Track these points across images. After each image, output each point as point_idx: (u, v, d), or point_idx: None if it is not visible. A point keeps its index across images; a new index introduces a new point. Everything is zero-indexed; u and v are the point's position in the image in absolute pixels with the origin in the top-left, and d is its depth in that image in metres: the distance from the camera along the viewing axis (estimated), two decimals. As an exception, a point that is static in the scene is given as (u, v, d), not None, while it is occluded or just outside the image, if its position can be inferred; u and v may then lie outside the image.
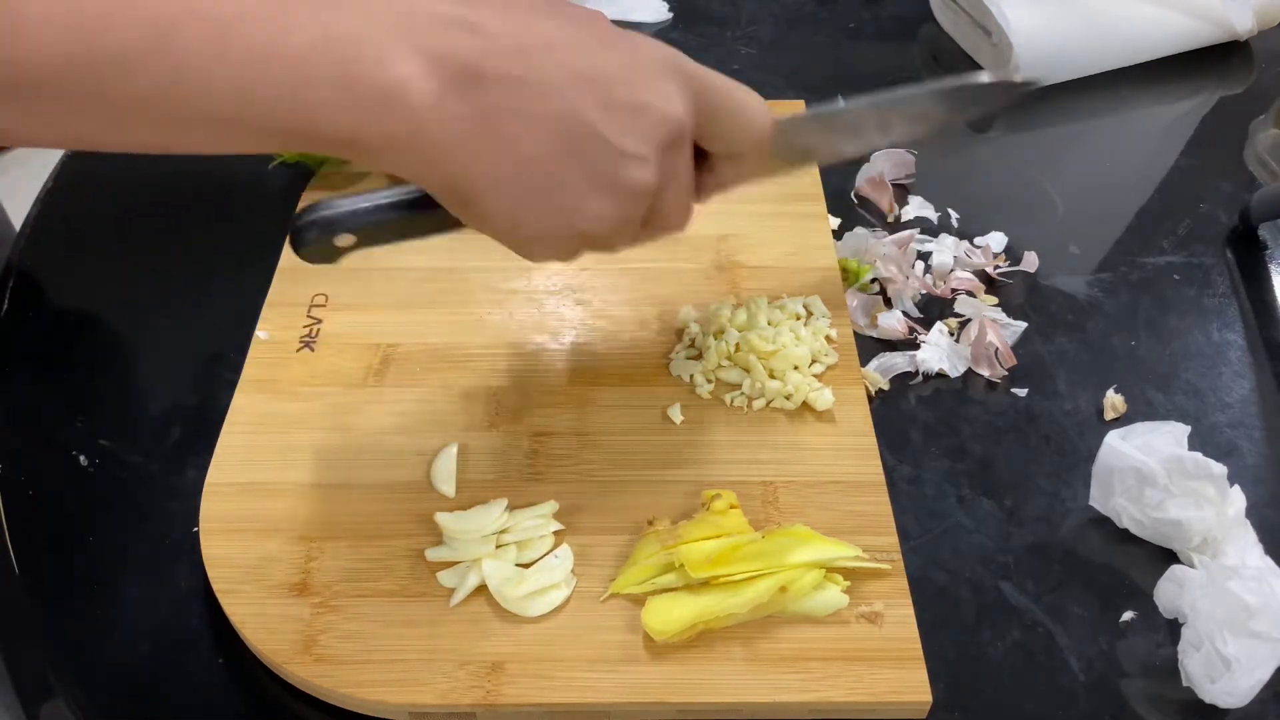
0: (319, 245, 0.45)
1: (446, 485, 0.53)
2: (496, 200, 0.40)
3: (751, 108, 0.45)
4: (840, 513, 0.52)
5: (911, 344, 0.63)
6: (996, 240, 0.69)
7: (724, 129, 0.45)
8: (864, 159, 0.73)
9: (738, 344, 0.58)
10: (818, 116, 0.52)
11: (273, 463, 0.54)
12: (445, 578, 0.50)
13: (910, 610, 0.49)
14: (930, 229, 0.70)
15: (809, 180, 0.70)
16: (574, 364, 0.60)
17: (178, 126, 0.36)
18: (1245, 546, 0.51)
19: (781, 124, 0.48)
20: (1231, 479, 0.51)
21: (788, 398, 0.57)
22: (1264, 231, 0.70)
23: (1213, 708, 0.47)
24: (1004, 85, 0.59)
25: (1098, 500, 0.54)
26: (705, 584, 0.48)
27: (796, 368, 0.58)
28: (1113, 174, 0.76)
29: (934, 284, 0.66)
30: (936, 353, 0.62)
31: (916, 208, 0.72)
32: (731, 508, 0.51)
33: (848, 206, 0.72)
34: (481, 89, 0.38)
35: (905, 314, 0.64)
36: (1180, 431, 0.53)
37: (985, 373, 0.61)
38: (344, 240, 0.46)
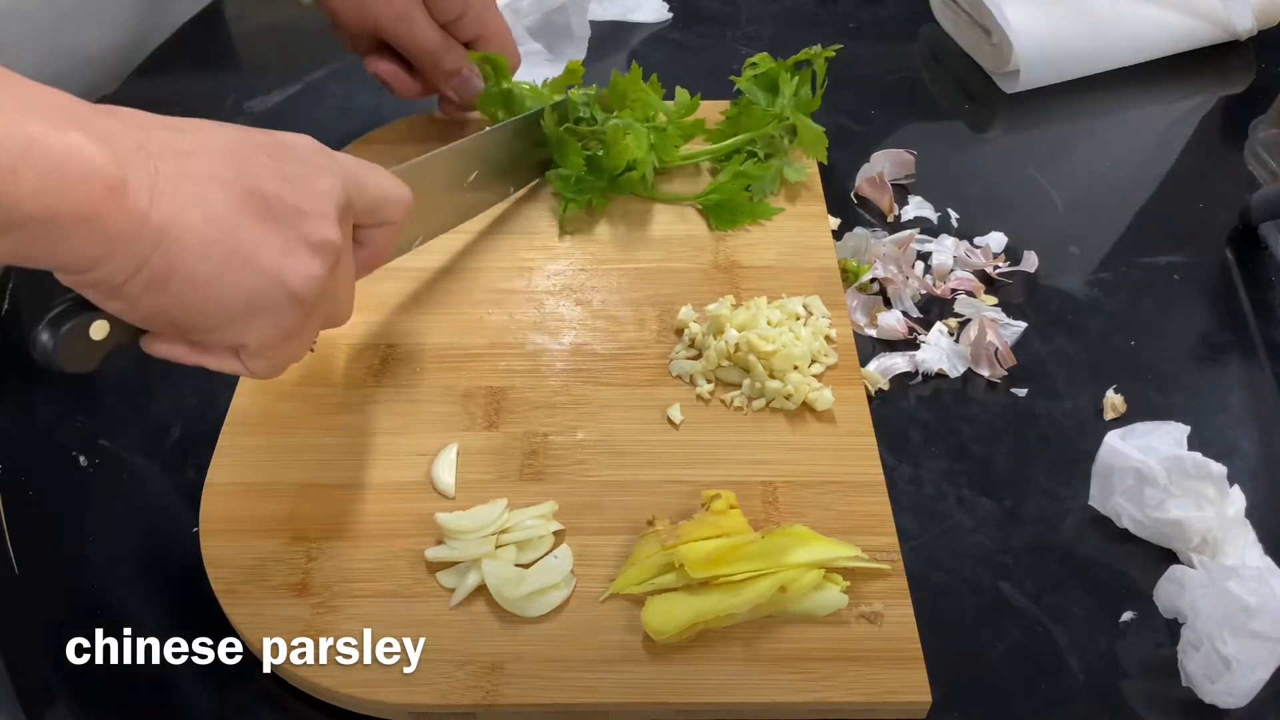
0: (74, 345, 0.43)
1: (446, 485, 0.53)
2: (198, 267, 0.40)
3: (387, 179, 0.49)
4: (840, 513, 0.52)
5: (911, 344, 0.63)
6: (996, 240, 0.69)
7: (370, 203, 0.48)
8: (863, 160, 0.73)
9: (738, 344, 0.58)
10: (435, 158, 0.59)
11: (273, 463, 0.54)
12: (445, 578, 0.50)
13: (910, 610, 0.49)
14: (930, 229, 0.70)
15: (809, 180, 0.70)
16: (574, 364, 0.60)
17: None
18: (1245, 546, 0.51)
19: (409, 175, 0.53)
20: (1231, 479, 0.51)
21: (788, 398, 0.57)
22: (1264, 231, 0.70)
23: (1213, 708, 0.47)
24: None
25: (1098, 500, 0.54)
26: (705, 584, 0.48)
27: (796, 368, 0.58)
28: (1113, 174, 0.76)
29: (934, 284, 0.66)
30: (936, 353, 0.62)
31: (916, 208, 0.72)
32: (731, 508, 0.51)
33: (848, 206, 0.72)
34: (157, 158, 0.39)
35: (905, 314, 0.64)
36: (1180, 431, 0.53)
37: (985, 373, 0.61)
38: (98, 331, 0.43)
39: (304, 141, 0.45)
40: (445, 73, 0.69)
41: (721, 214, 0.68)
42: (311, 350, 0.49)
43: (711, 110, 0.73)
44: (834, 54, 0.70)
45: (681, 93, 0.70)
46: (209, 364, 0.45)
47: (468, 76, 0.70)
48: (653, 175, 0.68)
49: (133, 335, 0.44)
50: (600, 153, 0.68)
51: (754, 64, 0.71)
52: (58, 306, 0.42)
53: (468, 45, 0.70)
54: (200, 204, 0.40)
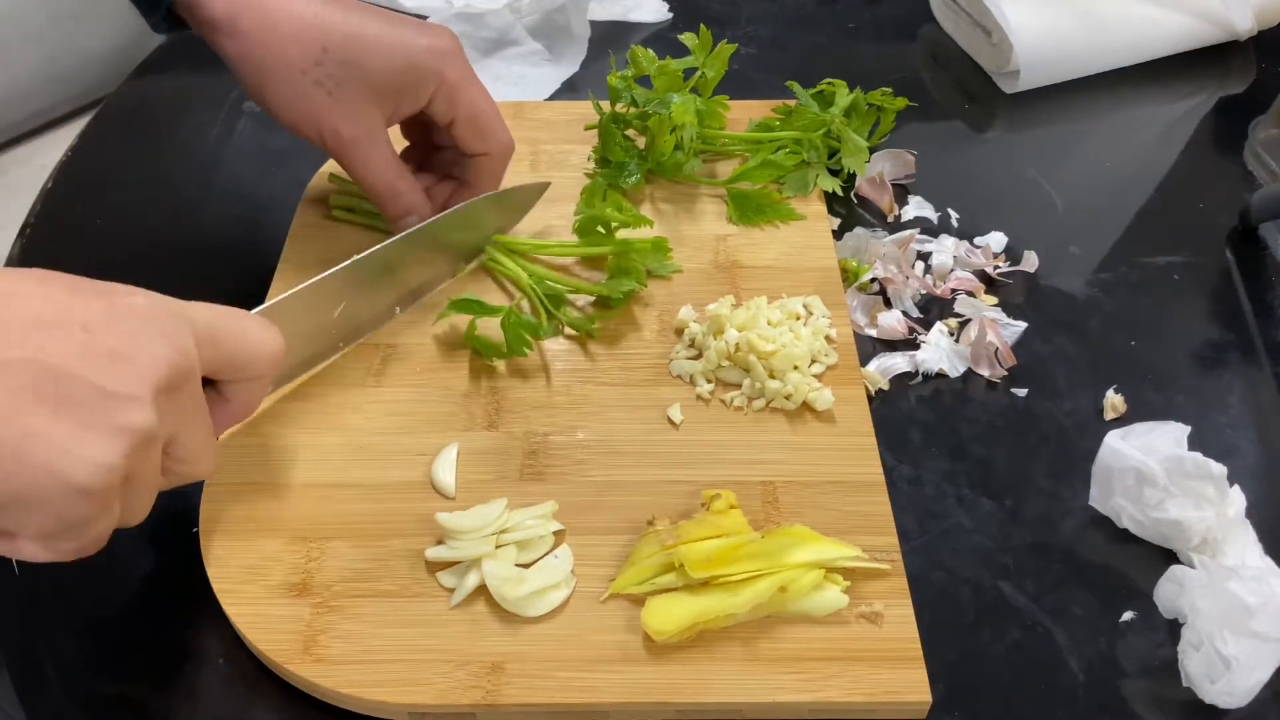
0: None
1: (446, 485, 0.53)
2: None
3: (253, 332, 0.45)
4: (840, 513, 0.52)
5: (911, 344, 0.63)
6: (996, 240, 0.69)
7: (235, 358, 0.45)
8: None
9: (738, 344, 0.58)
10: (298, 294, 0.53)
11: (273, 463, 0.54)
12: (445, 578, 0.50)
13: (910, 610, 0.49)
14: (930, 229, 0.70)
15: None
16: (574, 364, 0.60)
17: None
18: (1245, 546, 0.51)
19: (271, 315, 0.50)
20: (1231, 479, 0.51)
21: (788, 398, 0.57)
22: (1264, 231, 0.70)
23: (1213, 708, 0.47)
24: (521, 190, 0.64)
25: (1098, 500, 0.54)
26: (705, 584, 0.48)
27: (796, 368, 0.58)
28: (1113, 174, 0.76)
29: (934, 284, 0.66)
30: (936, 353, 0.62)
31: (916, 208, 0.72)
32: (731, 508, 0.51)
33: (848, 206, 0.72)
34: None
35: (905, 314, 0.64)
36: (1180, 431, 0.53)
37: (985, 373, 0.61)
38: None
39: (140, 305, 0.41)
40: (392, 214, 0.62)
41: (746, 207, 0.68)
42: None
43: (759, 110, 0.74)
44: (905, 105, 0.72)
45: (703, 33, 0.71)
46: None
47: (414, 222, 0.61)
48: (695, 143, 0.69)
49: None
50: (644, 138, 0.69)
51: (829, 84, 0.72)
52: None
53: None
54: None
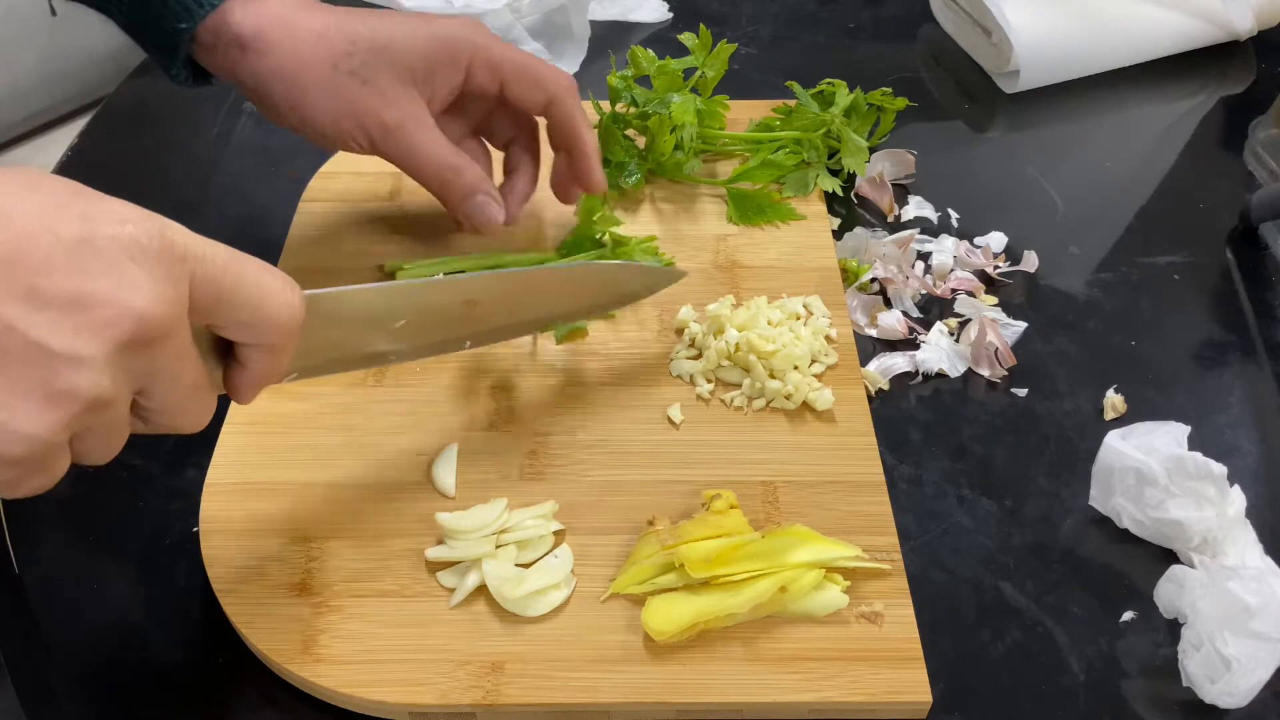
0: None
1: (446, 485, 0.53)
2: None
3: (273, 294, 0.39)
4: (840, 513, 0.52)
5: (911, 344, 0.63)
6: (996, 240, 0.69)
7: (240, 318, 0.38)
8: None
9: (738, 344, 0.58)
10: (355, 294, 0.45)
11: (273, 463, 0.54)
12: (445, 578, 0.50)
13: (910, 610, 0.49)
14: (930, 229, 0.70)
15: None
16: (574, 364, 0.60)
17: None
18: (1245, 546, 0.51)
19: (315, 304, 0.42)
20: (1231, 479, 0.51)
21: (788, 398, 0.57)
22: (1264, 231, 0.70)
23: (1213, 708, 0.47)
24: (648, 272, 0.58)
25: (1098, 500, 0.54)
26: (705, 584, 0.48)
27: (796, 368, 0.58)
28: (1113, 174, 0.76)
29: (934, 284, 0.66)
30: (936, 353, 0.62)
31: (916, 208, 0.72)
32: (731, 508, 0.51)
33: (848, 206, 0.72)
34: None
35: (905, 314, 0.64)
36: (1180, 431, 0.53)
37: (985, 373, 0.61)
38: None
39: (128, 237, 0.34)
40: (456, 199, 0.59)
41: (745, 207, 0.68)
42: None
43: (759, 109, 0.74)
44: (905, 105, 0.73)
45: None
46: None
47: (483, 202, 0.59)
48: (695, 143, 0.69)
49: None
50: (644, 138, 0.69)
51: (829, 84, 0.72)
52: None
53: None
54: None
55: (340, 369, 0.48)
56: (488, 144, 0.65)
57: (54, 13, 0.60)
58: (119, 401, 0.35)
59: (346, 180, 0.70)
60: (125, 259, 0.34)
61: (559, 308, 0.55)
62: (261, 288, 0.38)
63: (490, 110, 0.63)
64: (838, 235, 0.68)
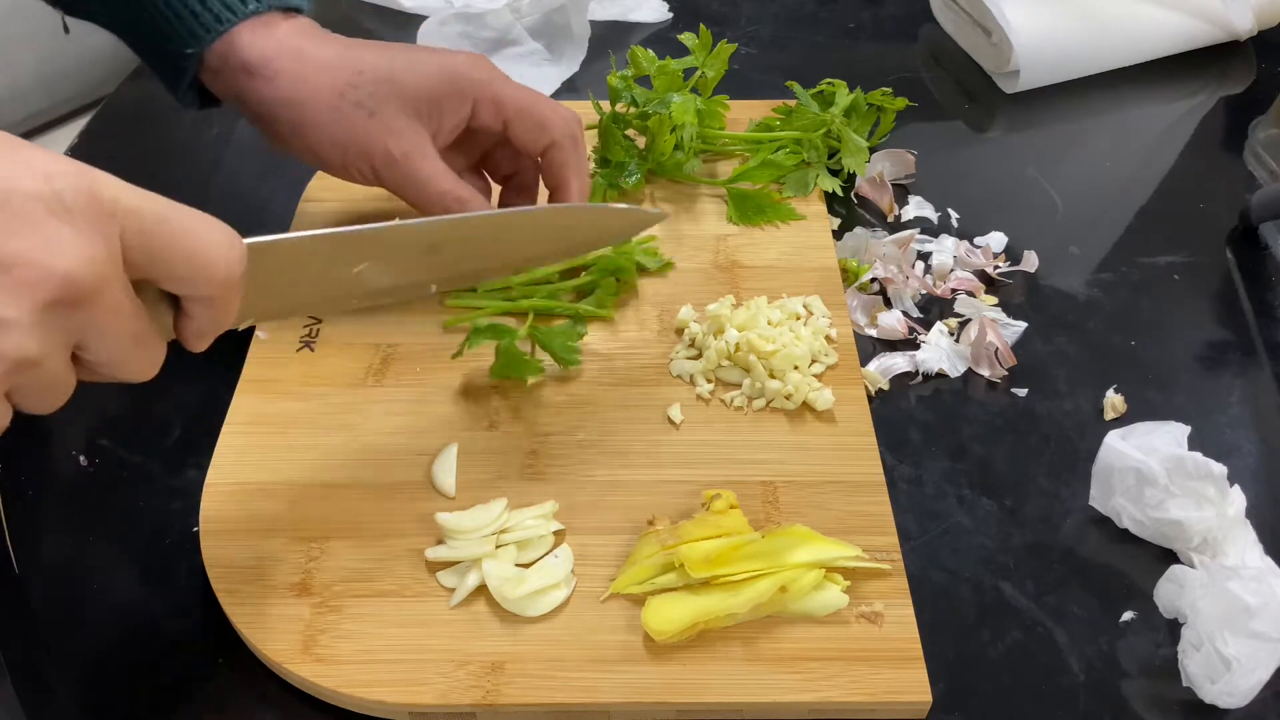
0: None
1: (446, 485, 0.53)
2: None
3: (210, 247, 0.38)
4: (840, 513, 0.52)
5: (911, 344, 0.63)
6: (996, 240, 0.69)
7: (177, 272, 0.37)
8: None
9: (738, 344, 0.58)
10: (306, 240, 0.45)
11: (273, 463, 0.54)
12: (445, 578, 0.50)
13: (910, 610, 0.49)
14: (930, 229, 0.70)
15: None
16: (574, 364, 0.60)
17: None
18: (1245, 546, 0.51)
19: (264, 251, 0.42)
20: (1231, 479, 0.51)
21: (788, 398, 0.57)
22: (1264, 231, 0.70)
23: (1213, 708, 0.47)
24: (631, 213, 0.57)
25: (1098, 500, 0.54)
26: (705, 584, 0.48)
27: (796, 368, 0.58)
28: (1113, 174, 0.76)
29: (934, 284, 0.66)
30: (936, 353, 0.62)
31: (916, 208, 0.72)
32: (731, 508, 0.51)
33: (848, 206, 0.72)
34: None
35: (905, 314, 0.64)
36: (1180, 431, 0.53)
37: (985, 373, 0.61)
38: None
39: (47, 195, 0.33)
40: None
41: (746, 207, 0.68)
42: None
43: (759, 109, 0.74)
44: (905, 105, 0.73)
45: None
46: None
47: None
48: (695, 143, 0.69)
49: None
50: (644, 138, 0.69)
51: (829, 84, 0.72)
52: None
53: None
54: None
55: (300, 313, 0.48)
56: (488, 177, 0.65)
57: (67, 30, 0.60)
58: (49, 359, 0.35)
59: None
60: (47, 216, 0.33)
61: (528, 250, 0.54)
62: (199, 240, 0.38)
63: (493, 145, 0.63)
64: (838, 235, 0.68)
